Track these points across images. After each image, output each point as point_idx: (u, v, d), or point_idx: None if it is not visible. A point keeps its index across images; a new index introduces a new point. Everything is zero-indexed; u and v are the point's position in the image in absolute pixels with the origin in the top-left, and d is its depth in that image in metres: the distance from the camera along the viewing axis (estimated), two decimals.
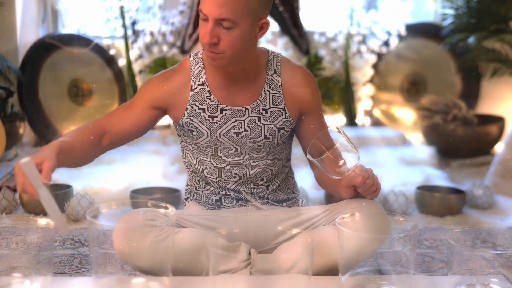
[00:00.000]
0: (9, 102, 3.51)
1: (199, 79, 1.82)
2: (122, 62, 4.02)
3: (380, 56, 4.31)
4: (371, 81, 4.33)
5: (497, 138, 3.92)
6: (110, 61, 4.02)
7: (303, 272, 1.44)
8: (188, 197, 1.99)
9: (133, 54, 3.99)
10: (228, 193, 1.89)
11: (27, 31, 3.95)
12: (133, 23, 4.02)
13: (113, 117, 1.82)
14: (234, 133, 1.82)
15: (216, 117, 1.81)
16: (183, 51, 4.03)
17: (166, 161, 3.37)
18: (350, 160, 1.69)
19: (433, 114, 3.96)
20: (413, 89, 4.41)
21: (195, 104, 1.81)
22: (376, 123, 4.42)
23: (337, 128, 1.71)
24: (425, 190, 2.93)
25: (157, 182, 3.07)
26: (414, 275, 1.64)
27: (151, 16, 4.03)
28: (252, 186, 1.88)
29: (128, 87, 4.01)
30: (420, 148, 3.85)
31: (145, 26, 4.02)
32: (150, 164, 3.33)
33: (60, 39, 3.90)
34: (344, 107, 4.27)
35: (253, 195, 1.89)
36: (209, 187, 1.90)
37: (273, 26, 4.16)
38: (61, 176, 2.97)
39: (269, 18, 4.18)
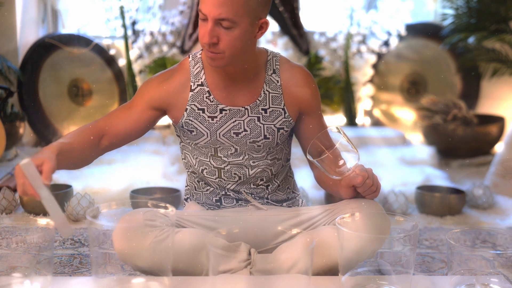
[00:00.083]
0: (9, 102, 3.51)
1: (199, 79, 1.82)
2: (122, 62, 4.02)
3: (380, 56, 4.31)
4: (371, 81, 4.33)
5: (497, 138, 3.92)
6: (110, 61, 4.02)
7: (303, 272, 1.44)
8: (187, 198, 1.99)
9: (133, 54, 3.99)
10: (228, 193, 1.89)
11: (27, 31, 3.95)
12: (133, 23, 4.02)
13: (113, 118, 1.82)
14: (234, 133, 1.82)
15: (216, 117, 1.81)
16: (183, 51, 4.03)
17: (166, 161, 3.37)
18: (350, 160, 1.69)
19: (433, 114, 3.96)
20: (413, 89, 4.41)
21: (194, 104, 1.81)
22: (376, 123, 4.42)
23: (337, 128, 1.71)
24: (425, 190, 2.93)
25: (157, 182, 3.07)
26: (414, 275, 1.64)
27: (151, 16, 4.03)
28: (252, 186, 1.88)
29: (128, 87, 4.02)
30: (420, 148, 3.85)
31: (145, 26, 4.02)
32: (150, 164, 3.33)
33: (60, 39, 3.90)
34: (344, 107, 4.27)
35: (253, 195, 1.89)
36: (208, 187, 1.90)
37: (273, 26, 4.16)
38: (61, 176, 2.97)
39: (269, 18, 4.18)
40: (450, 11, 3.99)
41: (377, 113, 4.44)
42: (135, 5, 3.97)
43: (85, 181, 3.03)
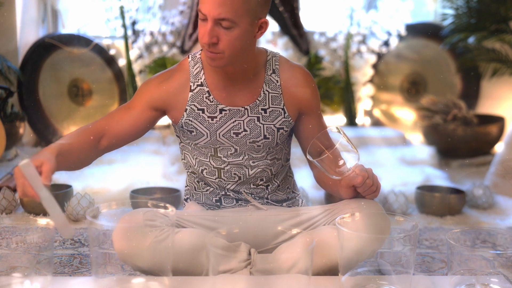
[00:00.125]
0: (9, 102, 3.50)
1: (198, 79, 1.82)
2: (122, 62, 4.02)
3: (380, 56, 4.31)
4: (371, 81, 4.33)
5: (497, 138, 3.92)
6: (110, 61, 4.02)
7: (303, 272, 1.44)
8: (187, 198, 1.99)
9: (133, 54, 3.99)
10: (227, 193, 1.88)
11: (27, 31, 3.95)
12: (133, 23, 4.02)
13: (112, 119, 1.81)
14: (234, 133, 1.82)
15: (216, 117, 1.81)
16: (183, 51, 4.03)
17: (166, 161, 3.37)
18: (350, 160, 1.69)
19: (433, 114, 3.96)
20: (413, 89, 4.40)
21: (194, 104, 1.81)
22: (376, 123, 4.42)
23: (337, 128, 1.71)
24: (425, 190, 2.93)
25: (157, 182, 3.07)
26: (414, 275, 1.64)
27: (151, 16, 4.03)
28: (252, 186, 1.88)
29: (128, 87, 4.02)
30: (420, 148, 3.85)
31: (145, 26, 4.02)
32: (150, 164, 3.33)
33: (60, 39, 3.90)
34: (344, 107, 4.27)
35: (252, 195, 1.89)
36: (208, 187, 1.90)
37: (273, 26, 4.16)
38: (61, 176, 2.97)
39: (269, 18, 4.17)
40: (450, 11, 3.99)
41: (377, 113, 4.44)
42: (135, 5, 3.97)
43: (85, 181, 3.03)
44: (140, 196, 2.76)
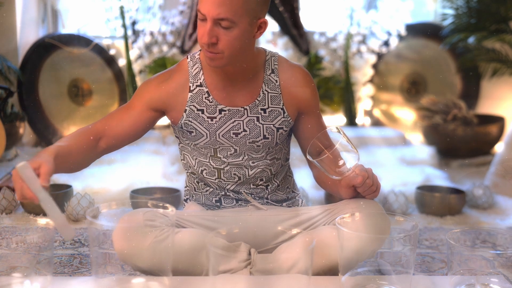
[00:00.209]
0: (9, 102, 3.50)
1: (197, 80, 1.82)
2: (122, 62, 4.02)
3: (380, 56, 4.31)
4: (371, 81, 4.33)
5: (497, 138, 3.92)
6: (110, 61, 4.02)
7: (303, 272, 1.44)
8: (187, 198, 1.99)
9: (133, 54, 3.99)
10: (227, 193, 1.88)
11: (27, 31, 3.95)
12: (133, 23, 4.02)
13: (111, 120, 1.81)
14: (233, 133, 1.82)
15: (215, 117, 1.81)
16: (183, 51, 4.03)
17: (166, 161, 3.37)
18: (350, 160, 1.69)
19: (433, 114, 3.96)
20: (413, 89, 4.40)
21: (193, 105, 1.81)
22: (376, 123, 4.42)
23: (337, 128, 1.71)
24: (425, 190, 2.93)
25: (157, 182, 3.07)
26: (414, 275, 1.64)
27: (151, 16, 4.03)
28: (252, 186, 1.88)
29: (128, 87, 4.02)
30: (420, 148, 3.85)
31: (145, 26, 4.02)
32: (150, 164, 3.33)
33: (60, 39, 3.90)
34: (344, 107, 4.27)
35: (252, 195, 1.88)
36: (208, 188, 1.90)
37: (273, 26, 4.16)
38: (61, 176, 2.97)
39: (269, 18, 4.17)
40: (450, 11, 3.99)
41: (377, 113, 4.44)
42: (135, 5, 3.97)
43: (85, 181, 3.03)
44: (140, 196, 2.76)
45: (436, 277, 1.80)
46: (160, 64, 3.92)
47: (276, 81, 1.83)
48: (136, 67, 4.01)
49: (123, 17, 3.95)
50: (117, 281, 1.56)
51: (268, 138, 1.83)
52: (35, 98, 3.79)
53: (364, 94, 4.31)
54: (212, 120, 1.81)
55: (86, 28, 4.09)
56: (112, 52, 4.04)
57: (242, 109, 1.81)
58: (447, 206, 2.80)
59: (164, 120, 3.77)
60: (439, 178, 3.30)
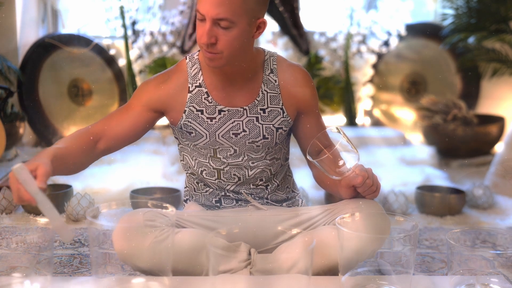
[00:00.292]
0: (9, 102, 3.50)
1: (196, 80, 1.82)
2: (122, 62, 4.02)
3: (380, 56, 4.31)
4: (371, 81, 4.33)
5: (497, 138, 3.92)
6: (110, 61, 4.02)
7: (303, 272, 1.44)
8: (187, 199, 1.99)
9: (133, 54, 3.99)
10: (227, 194, 1.88)
11: (27, 31, 3.95)
12: (133, 23, 4.02)
13: (110, 121, 1.80)
14: (233, 134, 1.82)
15: (215, 118, 1.81)
16: (183, 51, 4.03)
17: (166, 161, 3.37)
18: (350, 160, 1.69)
19: (433, 114, 3.96)
20: (413, 89, 4.40)
21: (193, 106, 1.81)
22: (376, 123, 4.42)
23: (337, 128, 1.71)
24: (425, 190, 2.93)
25: (157, 182, 3.07)
26: (414, 275, 1.64)
27: (151, 16, 4.03)
28: (252, 186, 1.88)
29: (128, 87, 4.02)
30: (420, 148, 3.85)
31: (145, 26, 4.02)
32: (150, 164, 3.33)
33: (60, 39, 3.90)
34: (344, 107, 4.27)
35: (252, 196, 1.88)
36: (208, 188, 1.90)
37: (273, 26, 4.15)
38: (61, 176, 2.97)
39: (269, 18, 4.17)
40: (450, 11, 3.99)
41: (377, 113, 4.44)
42: (135, 5, 3.97)
43: (85, 181, 3.03)
44: (140, 196, 2.76)
45: (436, 277, 1.80)
46: (160, 64, 3.92)
47: (275, 81, 1.83)
48: (136, 67, 4.01)
49: (123, 17, 3.95)
50: (117, 281, 1.56)
51: (267, 138, 1.83)
52: (35, 98, 3.79)
53: (364, 94, 4.31)
54: (211, 121, 1.81)
55: (86, 28, 4.09)
56: (112, 52, 4.04)
57: (242, 109, 1.81)
58: (447, 206, 2.80)
59: (164, 120, 3.77)
60: (439, 178, 3.30)
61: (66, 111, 3.92)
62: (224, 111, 1.81)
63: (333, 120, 4.25)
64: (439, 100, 4.06)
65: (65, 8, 4.18)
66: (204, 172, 1.87)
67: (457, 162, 3.82)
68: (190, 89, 1.81)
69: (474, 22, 3.83)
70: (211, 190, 1.89)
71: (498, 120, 3.97)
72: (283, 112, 1.83)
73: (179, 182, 3.10)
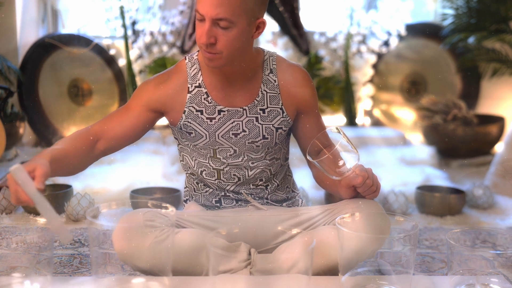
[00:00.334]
0: (9, 102, 3.51)
1: (196, 80, 1.82)
2: (122, 62, 4.02)
3: (380, 56, 4.31)
4: (371, 81, 4.33)
5: (497, 138, 3.92)
6: (110, 61, 4.02)
7: (303, 272, 1.44)
8: (187, 199, 1.99)
9: (133, 54, 3.99)
10: (227, 194, 1.88)
11: (27, 31, 3.95)
12: (133, 23, 4.02)
13: (109, 122, 1.80)
14: (233, 134, 1.82)
15: (214, 118, 1.81)
16: (183, 51, 4.03)
17: (166, 161, 3.37)
18: (350, 160, 1.69)
19: (433, 114, 3.96)
20: (413, 89, 4.41)
21: (192, 106, 1.81)
22: (376, 123, 4.42)
23: (336, 128, 1.71)
24: (425, 190, 2.93)
25: (157, 182, 3.07)
26: (414, 275, 1.64)
27: (151, 16, 4.03)
28: (251, 186, 1.88)
29: (128, 87, 4.02)
30: (420, 148, 3.85)
31: (145, 26, 4.02)
32: (150, 164, 3.33)
33: (60, 39, 3.90)
34: (344, 107, 4.27)
35: (252, 196, 1.88)
36: (208, 188, 1.90)
37: (273, 26, 4.15)
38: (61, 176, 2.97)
39: (269, 18, 4.17)
40: (450, 11, 3.99)
41: (377, 113, 4.44)
42: (135, 5, 3.97)
43: (85, 181, 3.03)
44: (140, 196, 2.76)
45: (436, 277, 1.80)
46: (160, 64, 3.92)
47: (275, 81, 1.83)
48: (136, 67, 4.01)
49: (123, 17, 3.95)
50: (117, 281, 1.56)
51: (267, 138, 1.83)
52: (35, 98, 3.79)
53: (364, 94, 4.31)
54: (211, 121, 1.81)
55: (86, 28, 4.09)
56: (112, 52, 4.04)
57: (241, 109, 1.81)
58: (447, 206, 2.80)
59: (164, 120, 3.77)
60: (439, 178, 3.30)
61: (66, 111, 3.92)
62: (224, 111, 1.81)
63: (333, 120, 4.25)
64: (439, 100, 4.06)
65: (65, 8, 4.18)
66: (204, 172, 1.87)
67: (457, 162, 3.82)
68: (190, 89, 1.81)
69: (474, 22, 3.83)
70: (211, 190, 1.89)
71: (498, 120, 3.97)
72: (283, 112, 1.83)
73: (179, 182, 3.10)
